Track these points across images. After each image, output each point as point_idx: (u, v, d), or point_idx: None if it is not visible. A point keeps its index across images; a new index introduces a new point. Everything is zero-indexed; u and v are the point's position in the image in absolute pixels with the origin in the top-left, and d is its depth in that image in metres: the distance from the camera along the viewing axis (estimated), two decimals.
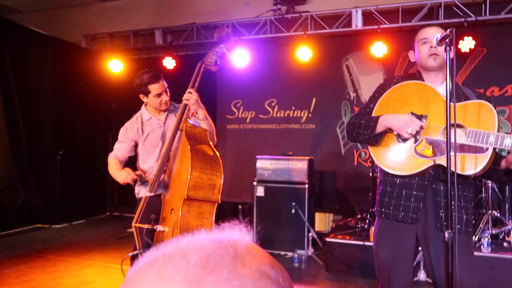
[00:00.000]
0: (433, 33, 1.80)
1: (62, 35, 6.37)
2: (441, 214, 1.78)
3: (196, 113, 2.40)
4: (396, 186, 1.88)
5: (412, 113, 1.81)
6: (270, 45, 5.87)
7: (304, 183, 4.45)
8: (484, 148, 1.63)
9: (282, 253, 4.46)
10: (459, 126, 1.70)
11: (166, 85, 2.56)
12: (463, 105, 1.75)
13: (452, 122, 1.57)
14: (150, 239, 2.26)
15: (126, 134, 2.58)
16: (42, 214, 5.80)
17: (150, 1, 6.70)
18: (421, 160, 1.76)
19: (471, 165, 1.66)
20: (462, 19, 4.75)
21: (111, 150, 2.63)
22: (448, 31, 1.57)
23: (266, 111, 5.85)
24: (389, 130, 1.85)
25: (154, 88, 2.49)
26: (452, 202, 1.76)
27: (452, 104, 1.58)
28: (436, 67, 1.85)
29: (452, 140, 1.56)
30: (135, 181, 2.44)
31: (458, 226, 1.76)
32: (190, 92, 2.35)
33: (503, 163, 1.71)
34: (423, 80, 1.91)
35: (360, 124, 1.90)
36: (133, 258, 2.36)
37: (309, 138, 5.62)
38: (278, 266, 0.46)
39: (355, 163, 5.43)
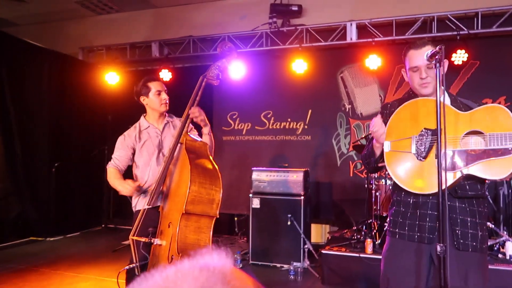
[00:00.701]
0: (423, 60, 1.79)
1: (59, 48, 6.40)
2: (457, 231, 1.76)
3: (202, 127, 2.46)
4: (410, 206, 1.85)
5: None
6: (266, 58, 5.93)
7: (300, 195, 4.46)
8: (510, 149, 1.61)
9: (278, 265, 4.44)
10: (477, 133, 1.70)
11: (165, 87, 2.66)
12: (475, 112, 1.73)
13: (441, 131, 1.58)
14: (147, 253, 2.26)
15: (125, 142, 2.62)
16: (36, 226, 5.75)
17: (146, 14, 6.76)
18: (449, 174, 1.70)
19: (500, 169, 1.64)
20: (455, 33, 4.84)
21: (108, 161, 2.64)
22: (437, 48, 1.59)
23: (262, 123, 5.88)
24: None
25: (154, 84, 2.59)
26: (458, 216, 1.77)
27: (442, 118, 1.59)
28: (428, 94, 1.86)
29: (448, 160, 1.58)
30: (137, 192, 2.44)
31: (474, 243, 1.75)
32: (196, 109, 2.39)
33: None
34: None
35: (365, 155, 2.03)
36: (129, 272, 2.35)
37: (305, 150, 5.64)
38: (260, 286, 0.49)
39: (351, 175, 5.45)
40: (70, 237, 6.00)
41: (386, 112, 2.00)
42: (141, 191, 2.50)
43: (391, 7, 5.34)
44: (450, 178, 1.71)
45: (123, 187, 2.40)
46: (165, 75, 5.98)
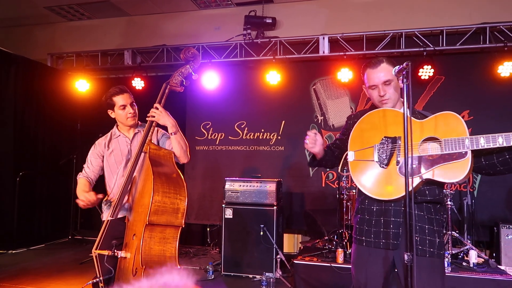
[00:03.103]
0: (380, 78, 1.93)
1: (27, 54, 6.20)
2: (416, 238, 1.81)
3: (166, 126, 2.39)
4: (374, 214, 1.91)
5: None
6: (240, 68, 5.96)
7: (272, 205, 4.47)
8: (463, 153, 1.69)
9: (250, 276, 4.41)
10: (433, 139, 1.77)
11: (132, 99, 2.57)
12: (430, 120, 1.81)
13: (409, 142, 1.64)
14: (112, 266, 2.18)
15: (95, 150, 2.58)
16: None
17: (119, 22, 6.68)
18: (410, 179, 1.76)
19: (456, 172, 1.70)
20: (422, 49, 5.03)
21: (76, 170, 2.57)
22: (404, 64, 1.65)
23: (235, 133, 5.88)
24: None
25: (118, 99, 2.50)
26: (417, 223, 1.82)
27: (409, 129, 1.65)
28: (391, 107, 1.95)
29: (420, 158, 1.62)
30: (98, 204, 2.36)
31: (431, 249, 1.81)
32: (156, 108, 2.34)
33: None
34: None
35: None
36: (94, 286, 2.27)
37: (278, 160, 5.68)
38: None
39: (323, 185, 5.52)
40: (34, 249, 5.74)
41: (350, 122, 2.10)
42: (107, 203, 2.44)
43: (362, 22, 5.51)
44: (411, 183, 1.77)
45: (81, 198, 2.30)
46: (138, 83, 5.91)
